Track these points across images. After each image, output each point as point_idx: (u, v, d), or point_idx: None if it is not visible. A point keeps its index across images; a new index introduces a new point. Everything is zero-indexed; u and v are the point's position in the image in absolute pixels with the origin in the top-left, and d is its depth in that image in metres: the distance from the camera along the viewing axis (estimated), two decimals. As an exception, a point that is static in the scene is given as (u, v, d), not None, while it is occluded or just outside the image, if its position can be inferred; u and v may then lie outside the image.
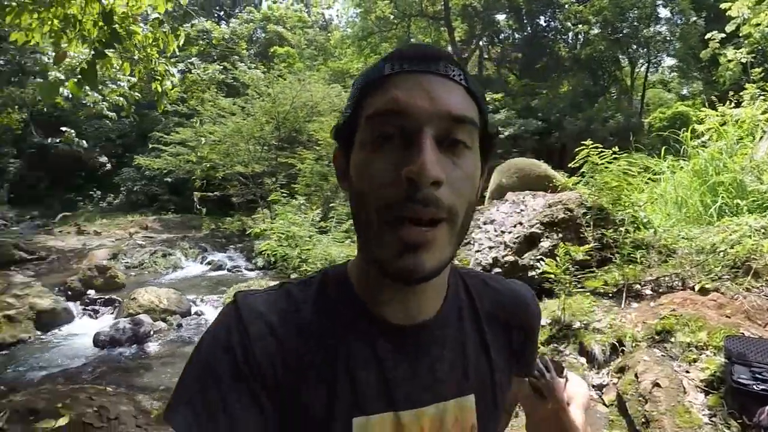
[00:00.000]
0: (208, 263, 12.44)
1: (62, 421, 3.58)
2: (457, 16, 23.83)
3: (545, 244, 5.83)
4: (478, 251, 6.20)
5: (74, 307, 8.45)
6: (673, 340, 4.05)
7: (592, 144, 6.39)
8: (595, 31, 21.53)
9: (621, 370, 4.02)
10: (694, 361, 3.75)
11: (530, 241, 5.95)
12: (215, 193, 15.75)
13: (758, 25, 11.77)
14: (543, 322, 4.84)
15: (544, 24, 23.91)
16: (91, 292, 9.11)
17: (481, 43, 25.05)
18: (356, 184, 0.67)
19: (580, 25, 21.60)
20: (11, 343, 7.04)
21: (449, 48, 24.93)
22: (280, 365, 0.68)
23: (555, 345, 4.57)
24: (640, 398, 3.49)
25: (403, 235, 0.62)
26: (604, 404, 3.81)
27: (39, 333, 7.51)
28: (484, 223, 6.59)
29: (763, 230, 5.52)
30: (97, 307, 8.50)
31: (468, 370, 0.77)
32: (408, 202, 0.61)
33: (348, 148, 0.70)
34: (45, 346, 7.08)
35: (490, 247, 6.14)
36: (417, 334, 0.74)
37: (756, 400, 3.05)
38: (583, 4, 21.08)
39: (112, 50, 4.62)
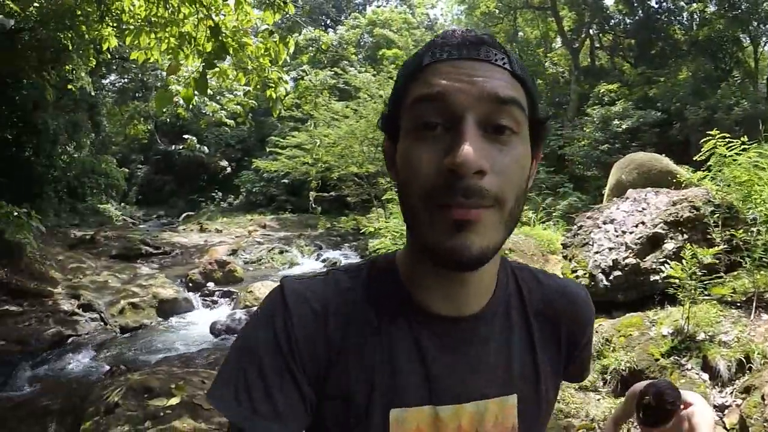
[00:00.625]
0: (323, 260, 12.86)
1: (174, 401, 3.81)
2: (564, 5, 22.75)
3: (669, 245, 5.36)
4: (597, 252, 5.87)
5: (194, 297, 9.10)
6: None
7: (719, 134, 5.76)
8: (712, 8, 19.66)
9: (746, 390, 3.59)
10: None
11: (653, 242, 5.52)
12: (330, 193, 16.30)
13: None
14: (665, 332, 4.49)
15: (656, 5, 22.11)
16: (211, 285, 9.77)
17: (591, 31, 23.71)
18: (402, 173, 0.66)
19: (694, 4, 19.81)
20: (134, 328, 7.69)
21: (558, 39, 23.96)
22: (322, 351, 0.68)
23: (676, 357, 4.18)
24: (765, 423, 3.09)
25: (451, 216, 0.60)
26: (725, 428, 3.43)
27: (161, 320, 8.15)
28: (604, 223, 6.21)
29: None
30: (215, 299, 9.10)
31: (512, 369, 0.75)
32: (450, 192, 0.60)
33: (394, 137, 0.70)
34: (165, 332, 7.65)
35: (610, 249, 5.77)
36: (462, 327, 0.72)
37: None
38: (697, -21, 19.28)
39: (223, 62, 4.92)
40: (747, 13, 18.88)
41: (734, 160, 5.64)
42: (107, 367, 6.07)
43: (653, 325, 4.58)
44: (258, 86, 5.49)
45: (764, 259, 4.84)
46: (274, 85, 5.40)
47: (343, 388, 0.68)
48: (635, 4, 22.29)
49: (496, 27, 24.24)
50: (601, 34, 24.11)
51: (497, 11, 24.08)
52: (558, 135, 18.69)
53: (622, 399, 3.28)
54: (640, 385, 2.76)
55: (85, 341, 7.02)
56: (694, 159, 6.46)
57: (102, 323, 7.61)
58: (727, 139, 5.71)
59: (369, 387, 0.69)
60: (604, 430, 2.80)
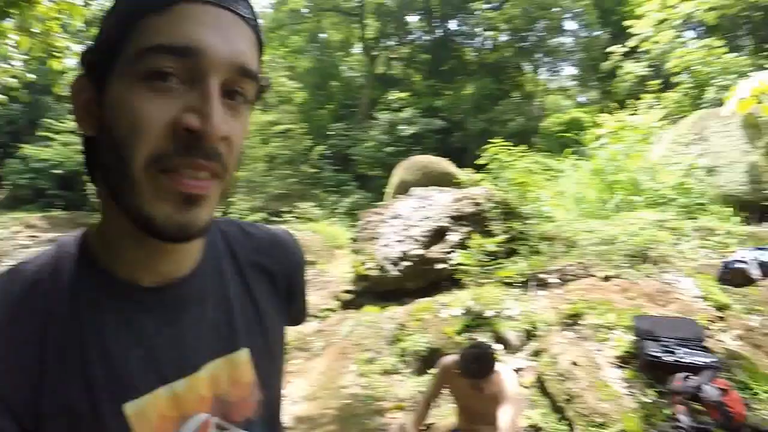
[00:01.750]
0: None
1: None
2: (370, 14, 23.90)
3: (454, 237, 5.94)
4: (385, 245, 6.23)
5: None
6: (583, 322, 4.22)
7: (500, 142, 6.69)
8: (504, 38, 22.59)
9: (537, 353, 4.13)
10: (606, 340, 3.92)
11: (438, 235, 6.06)
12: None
13: (657, 42, 13.16)
14: (456, 312, 4.91)
15: (455, 28, 24.69)
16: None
17: (391, 42, 25.33)
18: (116, 129, 0.55)
19: (489, 32, 22.52)
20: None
21: (359, 45, 25.01)
22: (18, 373, 0.56)
23: (469, 334, 4.60)
24: (559, 377, 3.59)
25: (182, 188, 0.55)
26: (524, 386, 3.89)
27: None
28: (391, 218, 6.63)
29: (658, 223, 5.99)
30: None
31: (235, 324, 0.71)
32: (186, 154, 0.54)
33: (102, 79, 0.57)
34: None
35: (398, 241, 6.17)
36: (174, 293, 0.66)
37: (667, 370, 3.22)
38: (495, 11, 22.00)
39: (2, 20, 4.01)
40: (534, 45, 22.11)
41: (512, 164, 6.58)
42: None
43: (444, 308, 4.98)
44: (41, 54, 4.59)
45: (537, 247, 5.77)
46: (60, 55, 4.57)
47: (61, 402, 0.57)
48: (436, 24, 24.44)
49: (301, 26, 24.50)
50: (399, 46, 25.87)
51: (307, 11, 24.23)
52: (346, 136, 19.60)
53: (427, 377, 3.39)
54: (448, 359, 2.93)
55: None
56: (475, 162, 7.28)
57: None
58: (506, 147, 6.65)
59: (88, 388, 0.59)
60: (416, 411, 2.96)
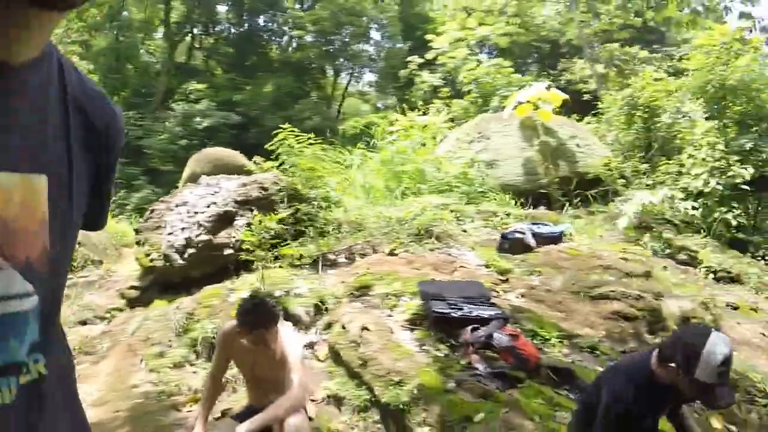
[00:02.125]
0: None
1: None
2: (178, -4, 22.10)
3: (240, 221, 5.81)
4: (170, 233, 5.92)
5: None
6: (372, 293, 4.25)
7: (289, 128, 6.70)
8: (310, 38, 22.71)
9: (329, 326, 4.04)
10: (395, 306, 3.96)
11: (225, 220, 5.88)
12: None
13: (453, 57, 14.87)
14: (245, 295, 4.64)
15: (262, 24, 24.12)
16: None
17: (195, 30, 23.81)
18: None
19: (297, 30, 22.43)
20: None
21: (161, 28, 22.99)
22: None
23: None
24: (352, 344, 3.49)
25: None
26: (319, 359, 3.74)
27: None
28: (177, 206, 6.31)
29: (442, 207, 6.45)
30: None
31: (45, 146, 0.66)
32: None
33: None
34: None
35: (183, 228, 5.89)
36: (6, 76, 0.60)
37: (456, 325, 3.29)
38: (305, 11, 22.03)
39: None
40: (337, 50, 22.44)
41: (301, 151, 6.62)
42: None
43: (232, 293, 4.76)
44: None
45: (325, 230, 5.87)
46: None
47: None
48: (244, 17, 23.55)
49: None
50: (203, 36, 24.43)
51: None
52: (139, 126, 17.98)
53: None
54: (226, 325, 2.61)
55: None
56: (265, 148, 7.19)
57: None
58: (295, 134, 6.65)
59: None
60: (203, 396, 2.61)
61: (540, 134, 8.79)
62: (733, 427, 3.05)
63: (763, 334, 4.21)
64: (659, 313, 4.08)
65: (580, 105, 13.60)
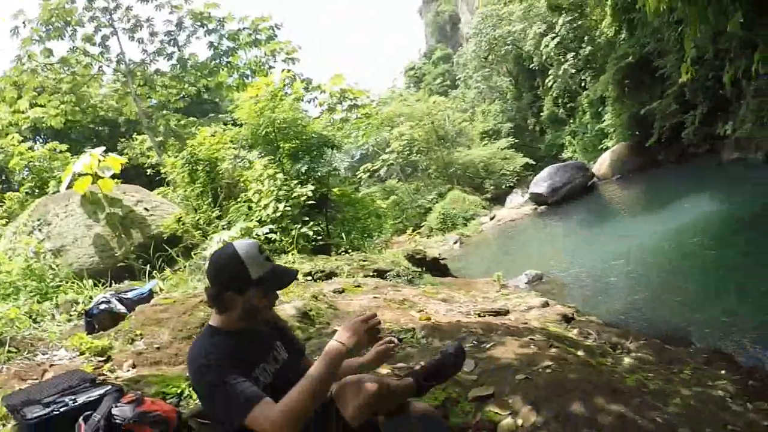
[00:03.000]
0: None
1: None
2: None
3: None
4: None
5: None
6: None
7: None
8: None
9: None
10: None
11: None
12: None
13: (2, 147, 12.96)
14: None
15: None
16: None
17: None
18: None
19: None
20: None
21: None
22: None
23: None
24: None
25: None
26: None
27: None
28: None
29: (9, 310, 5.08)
30: None
31: None
32: None
33: None
34: None
35: None
36: None
37: (64, 426, 2.45)
38: None
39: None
40: None
41: None
42: None
43: None
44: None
45: None
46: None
47: None
48: None
49: None
50: None
51: None
52: None
53: None
54: None
55: None
56: None
57: None
58: None
59: None
60: None
61: (105, 207, 7.98)
62: (400, 364, 3.21)
63: (375, 297, 4.83)
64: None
65: (145, 180, 13.28)
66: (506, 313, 5.40)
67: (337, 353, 1.66)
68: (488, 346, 3.45)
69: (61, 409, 2.51)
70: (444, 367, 2.13)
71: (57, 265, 7.05)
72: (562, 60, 25.62)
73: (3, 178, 13.08)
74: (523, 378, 2.82)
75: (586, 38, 24.62)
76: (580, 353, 3.62)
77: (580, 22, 24.83)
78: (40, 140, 16.62)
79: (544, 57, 26.61)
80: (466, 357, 2.25)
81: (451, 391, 2.80)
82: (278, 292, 1.85)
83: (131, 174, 13.41)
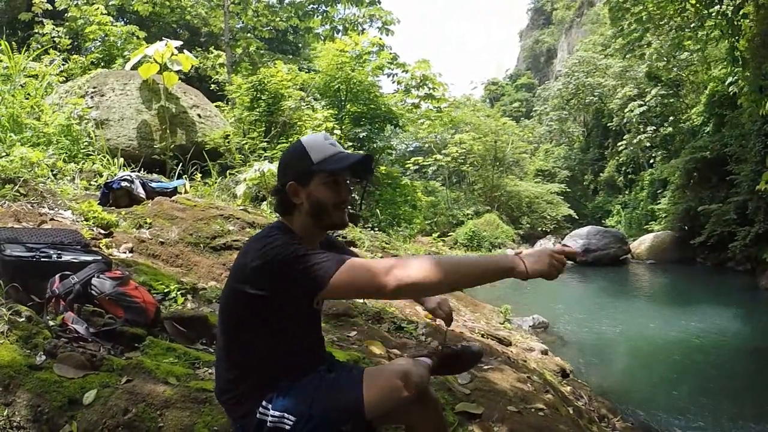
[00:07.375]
0: None
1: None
2: None
3: None
4: None
5: None
6: None
7: None
8: None
9: None
10: None
11: None
12: None
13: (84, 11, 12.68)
14: None
15: None
16: None
17: None
18: None
19: None
20: None
21: None
22: None
23: None
24: None
25: None
26: None
27: None
28: None
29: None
30: None
31: None
32: None
33: None
34: None
35: None
36: None
37: (39, 274, 2.24)
38: None
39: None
40: None
41: None
42: None
43: None
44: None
45: None
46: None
47: None
48: None
49: None
50: None
51: None
52: None
53: None
54: None
55: None
56: None
57: None
58: None
59: None
60: None
61: (162, 99, 7.86)
62: (395, 351, 3.02)
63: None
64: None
65: (206, 93, 13.21)
66: (509, 344, 5.16)
67: (509, 269, 1.30)
68: (487, 367, 3.27)
69: (42, 259, 2.30)
70: (460, 360, 1.92)
71: (96, 135, 6.94)
72: (641, 130, 24.84)
73: (76, 43, 13.01)
74: (515, 411, 2.63)
75: (671, 118, 23.82)
76: (570, 410, 3.40)
77: (671, 100, 24.00)
78: (123, 22, 16.67)
79: (624, 120, 25.87)
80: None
81: (439, 395, 2.57)
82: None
83: (195, 82, 13.34)
